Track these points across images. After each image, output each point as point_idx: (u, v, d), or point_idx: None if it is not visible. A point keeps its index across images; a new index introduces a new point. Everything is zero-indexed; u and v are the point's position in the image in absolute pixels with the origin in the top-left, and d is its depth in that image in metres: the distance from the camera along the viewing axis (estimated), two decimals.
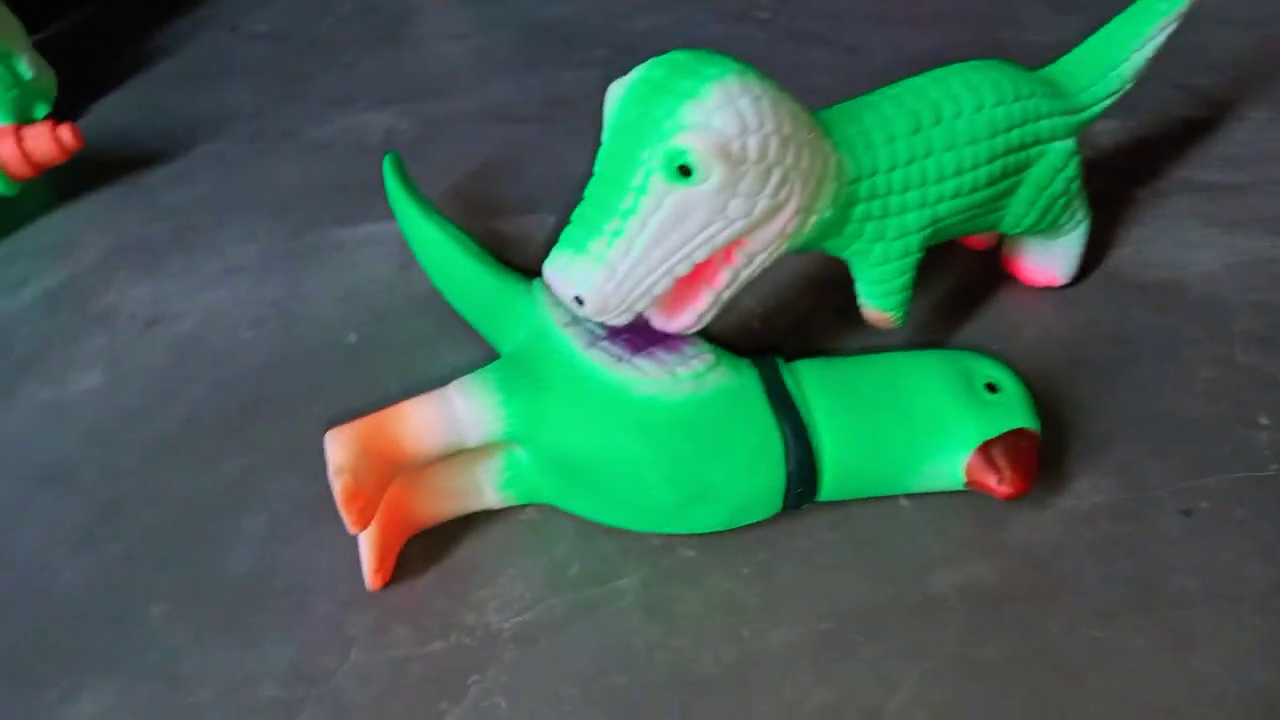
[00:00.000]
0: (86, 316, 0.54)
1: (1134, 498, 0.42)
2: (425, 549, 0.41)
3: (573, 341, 0.40)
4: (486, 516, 0.42)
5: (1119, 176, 0.60)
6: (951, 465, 0.40)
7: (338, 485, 0.36)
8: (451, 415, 0.38)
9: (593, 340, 0.40)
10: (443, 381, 0.40)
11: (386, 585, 0.40)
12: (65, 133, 0.59)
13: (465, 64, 0.77)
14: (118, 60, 0.80)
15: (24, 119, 0.67)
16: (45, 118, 0.68)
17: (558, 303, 0.42)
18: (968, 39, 0.75)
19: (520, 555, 0.41)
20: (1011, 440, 0.40)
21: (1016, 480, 0.39)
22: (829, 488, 0.40)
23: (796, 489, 0.39)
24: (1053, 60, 0.49)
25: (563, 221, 0.38)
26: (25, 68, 0.67)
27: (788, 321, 0.52)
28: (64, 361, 0.52)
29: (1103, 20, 0.50)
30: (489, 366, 0.41)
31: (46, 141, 0.59)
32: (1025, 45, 0.74)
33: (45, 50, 0.71)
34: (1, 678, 0.38)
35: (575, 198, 0.38)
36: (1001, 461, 0.40)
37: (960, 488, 0.41)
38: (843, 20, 0.79)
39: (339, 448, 0.36)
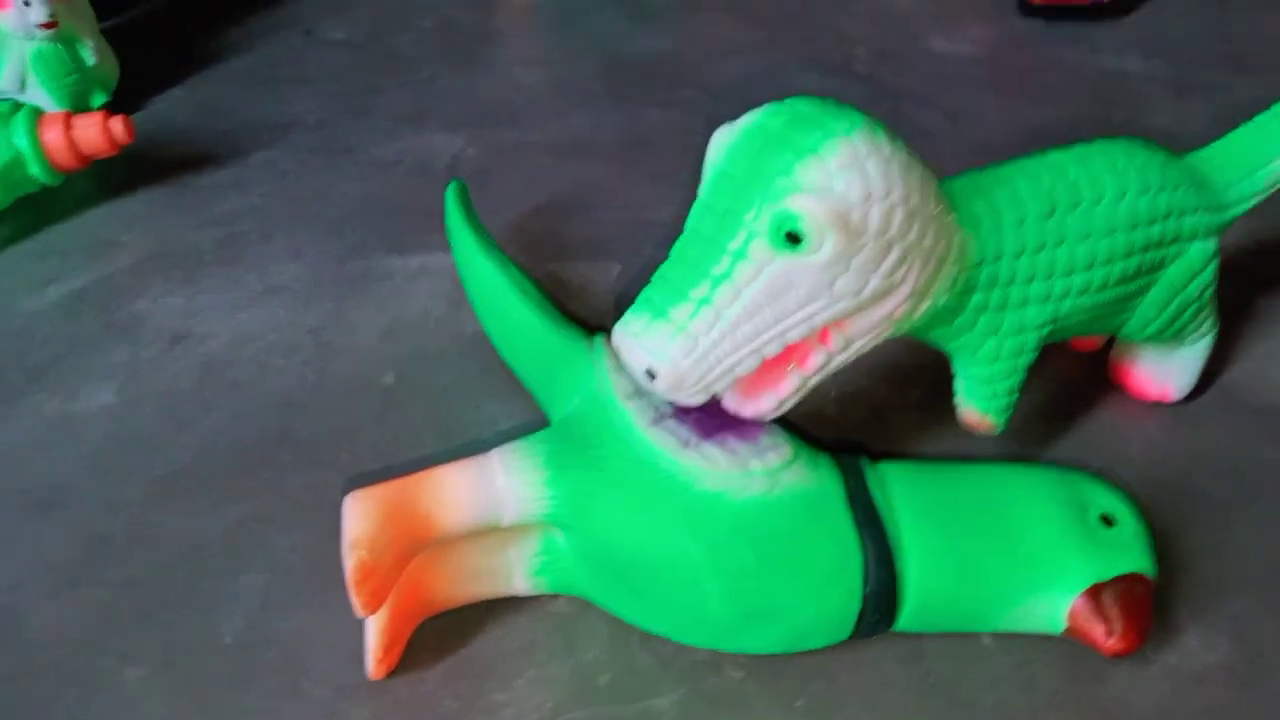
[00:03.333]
0: (111, 325, 0.51)
1: (1250, 662, 0.36)
2: (438, 636, 0.36)
3: (634, 417, 0.35)
4: (511, 605, 0.37)
5: (1239, 282, 0.54)
6: (1053, 607, 0.34)
7: (351, 561, 0.31)
8: (490, 489, 0.34)
9: (658, 418, 0.35)
10: (483, 438, 0.36)
11: (390, 675, 0.35)
12: (117, 125, 0.56)
13: (543, 92, 0.74)
14: (186, 55, 0.78)
15: (80, 107, 0.65)
16: (101, 107, 0.65)
17: (622, 369, 0.38)
18: (1082, 116, 0.69)
19: (545, 655, 0.36)
20: (1126, 586, 0.34)
21: (1128, 634, 0.34)
22: (909, 618, 0.34)
23: (872, 617, 0.34)
24: (1172, 148, 0.44)
25: (633, 274, 0.33)
26: (89, 54, 0.65)
27: (865, 412, 0.46)
28: (79, 373, 0.48)
29: (1230, 107, 0.44)
30: (536, 436, 0.36)
31: (96, 132, 0.56)
32: (1143, 129, 0.68)
33: (112, 38, 0.69)
34: None
35: (648, 247, 0.33)
36: (1113, 611, 0.34)
37: (1056, 632, 0.35)
38: (948, 83, 0.74)
39: (358, 516, 0.32)
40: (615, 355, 0.39)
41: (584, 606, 0.37)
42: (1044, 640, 0.36)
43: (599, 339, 0.40)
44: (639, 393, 0.36)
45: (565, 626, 0.37)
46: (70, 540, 0.40)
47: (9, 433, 0.45)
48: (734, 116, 0.34)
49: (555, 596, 0.38)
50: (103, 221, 0.59)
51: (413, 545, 0.33)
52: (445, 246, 0.55)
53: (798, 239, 0.31)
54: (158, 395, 0.47)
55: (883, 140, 0.32)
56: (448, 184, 0.51)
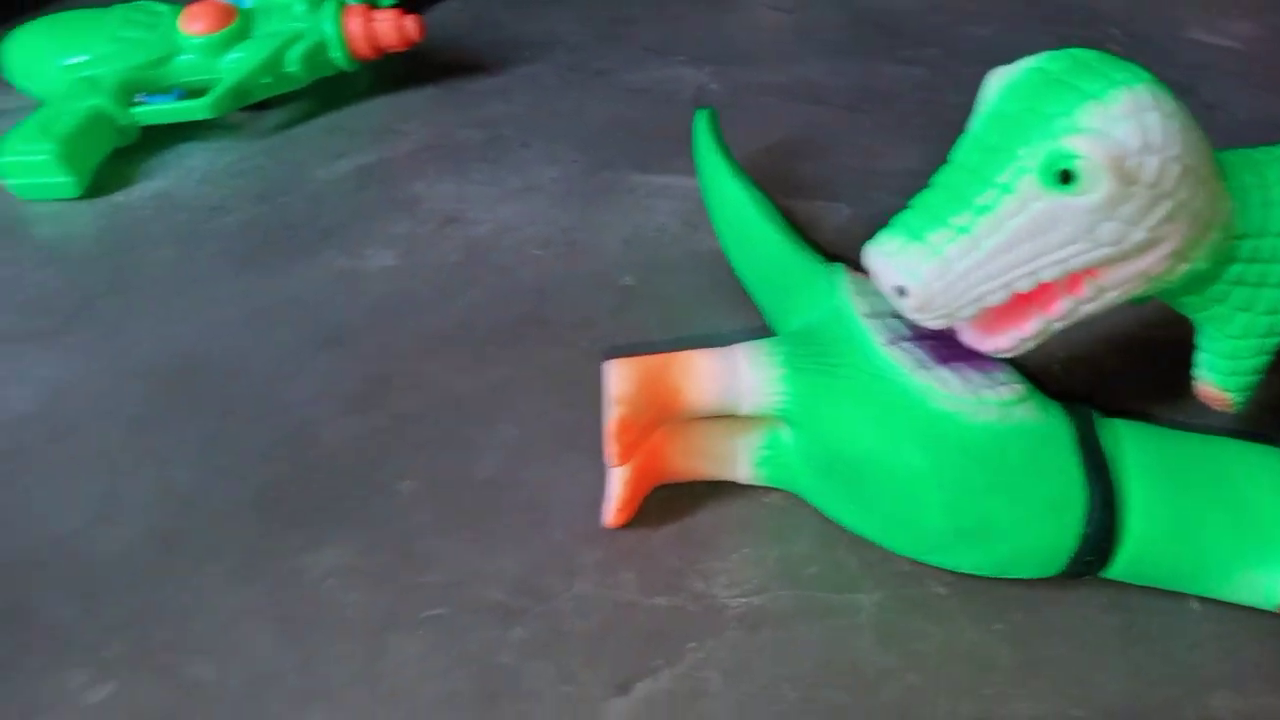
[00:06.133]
0: (391, 201, 0.57)
1: None
2: (663, 504, 0.40)
3: (872, 335, 0.37)
4: (729, 489, 0.40)
5: None
6: (1271, 582, 0.35)
7: (614, 414, 0.35)
8: (733, 377, 0.37)
9: (895, 338, 0.37)
10: (704, 343, 0.39)
11: (620, 528, 0.39)
12: (410, 23, 0.62)
13: (786, 37, 0.76)
14: None
15: (372, 3, 0.71)
16: (392, 6, 0.72)
17: (863, 292, 0.40)
18: None
19: (757, 539, 0.39)
20: None
21: None
22: (1122, 566, 0.35)
23: (1087, 556, 0.35)
24: None
25: (866, 217, 0.35)
26: None
27: (1090, 376, 0.47)
28: (364, 237, 0.54)
29: None
30: (777, 338, 0.39)
31: (391, 27, 0.62)
32: None
33: None
34: (258, 511, 0.40)
35: (879, 194, 0.35)
36: None
37: (1270, 608, 0.35)
38: (1205, 74, 0.71)
39: (621, 379, 0.36)
40: (855, 281, 0.41)
41: (796, 503, 0.40)
42: (1253, 614, 0.36)
43: (838, 267, 0.42)
44: (879, 315, 0.38)
45: (777, 517, 0.40)
46: (355, 374, 0.46)
47: (306, 280, 0.51)
48: (977, 79, 0.35)
49: (770, 490, 0.40)
50: (385, 110, 0.65)
51: (662, 413, 0.36)
52: (685, 170, 0.58)
53: (1070, 178, 0.32)
54: (430, 266, 0.52)
55: (1165, 96, 0.32)
56: (694, 112, 0.54)
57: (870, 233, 0.35)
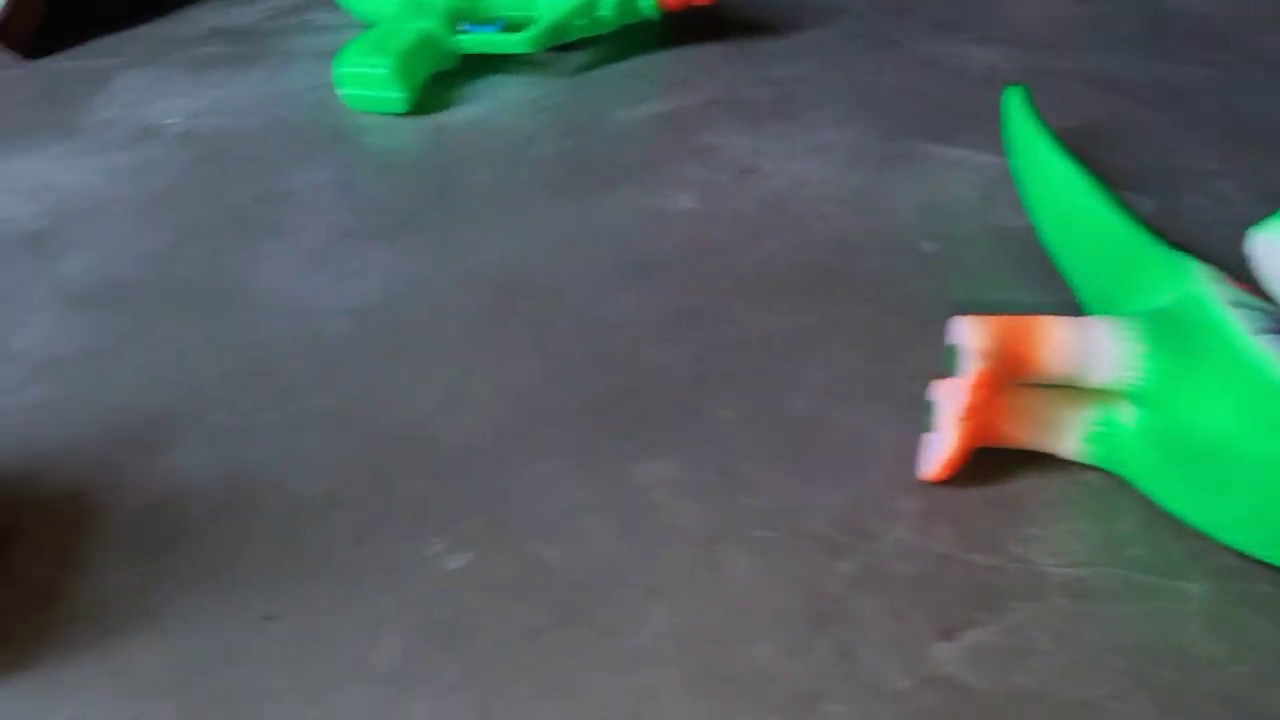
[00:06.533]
0: (688, 148, 0.59)
1: None
2: (980, 466, 0.40)
3: (1240, 324, 0.36)
4: (1046, 463, 0.40)
5: None
6: None
7: (975, 368, 0.35)
8: (1090, 346, 0.36)
9: (1262, 329, 0.36)
10: (1011, 314, 0.38)
11: (937, 483, 0.39)
12: None
13: (1080, 27, 0.73)
14: None
15: None
16: None
17: (1221, 280, 0.39)
18: None
19: (1077, 514, 0.39)
20: None
21: None
22: None
23: None
24: None
25: (1168, 209, 0.34)
26: None
27: None
28: (664, 179, 0.56)
29: None
30: (1135, 317, 0.38)
31: None
32: None
33: None
34: (590, 418, 0.42)
35: (1183, 190, 0.34)
36: None
37: None
38: None
39: (980, 335, 0.36)
40: (1206, 269, 0.40)
41: (1117, 484, 0.39)
42: None
43: (1187, 254, 0.41)
44: (1241, 304, 0.37)
45: (1098, 496, 0.39)
46: (667, 304, 0.48)
47: (613, 213, 0.54)
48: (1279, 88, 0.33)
49: (1089, 469, 0.40)
50: (680, 62, 0.67)
51: (1015, 372, 0.36)
52: (978, 145, 0.58)
53: None
54: (729, 212, 0.54)
55: None
56: (990, 88, 0.54)
57: (1179, 226, 0.34)
